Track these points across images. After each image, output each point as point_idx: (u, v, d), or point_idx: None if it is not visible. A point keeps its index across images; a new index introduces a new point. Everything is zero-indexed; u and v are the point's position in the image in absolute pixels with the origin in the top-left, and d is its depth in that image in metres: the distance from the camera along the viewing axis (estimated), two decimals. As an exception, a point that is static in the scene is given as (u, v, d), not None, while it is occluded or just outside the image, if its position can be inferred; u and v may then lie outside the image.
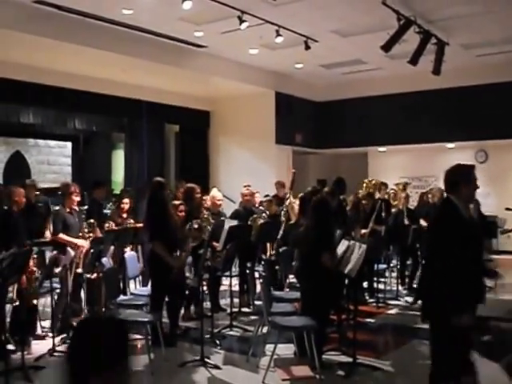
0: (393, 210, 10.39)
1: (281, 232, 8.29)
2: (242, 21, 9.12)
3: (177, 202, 7.51)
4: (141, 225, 8.45)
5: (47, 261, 6.71)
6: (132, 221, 8.75)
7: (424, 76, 11.07)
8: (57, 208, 7.58)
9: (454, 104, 13.06)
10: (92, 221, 7.76)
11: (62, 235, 7.15)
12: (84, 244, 7.24)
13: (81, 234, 7.40)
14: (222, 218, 8.36)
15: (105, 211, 9.65)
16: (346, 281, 7.28)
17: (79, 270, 7.24)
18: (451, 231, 4.06)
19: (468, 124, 12.85)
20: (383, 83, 13.72)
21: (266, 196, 10.62)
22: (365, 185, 10.46)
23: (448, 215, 4.18)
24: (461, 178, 4.23)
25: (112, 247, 7.93)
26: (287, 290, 7.98)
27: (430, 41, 9.63)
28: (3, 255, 5.37)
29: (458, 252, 3.97)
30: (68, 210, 7.39)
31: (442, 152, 14.33)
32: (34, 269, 6.37)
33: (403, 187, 10.66)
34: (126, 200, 8.92)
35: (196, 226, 7.64)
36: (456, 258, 3.95)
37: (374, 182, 10.67)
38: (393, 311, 8.69)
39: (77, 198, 7.59)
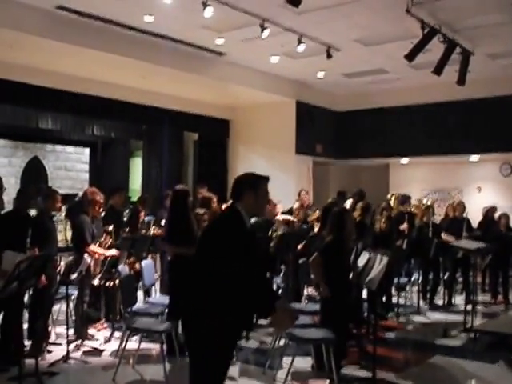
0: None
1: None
2: (263, 28, 9.04)
3: (201, 211, 7.41)
4: (159, 231, 8.45)
5: (63, 267, 6.64)
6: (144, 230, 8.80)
7: (448, 86, 10.90)
8: (81, 216, 7.39)
9: (478, 115, 12.85)
10: (110, 228, 7.72)
11: (92, 247, 7.07)
12: (114, 253, 7.20)
13: (99, 243, 7.36)
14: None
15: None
16: (365, 293, 7.19)
17: (96, 282, 7.20)
18: (233, 240, 3.70)
19: (493, 136, 12.63)
20: (406, 93, 13.56)
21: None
22: (393, 198, 10.26)
23: (231, 223, 3.82)
24: (245, 187, 3.93)
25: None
26: (306, 302, 7.86)
27: (454, 50, 9.47)
28: (21, 258, 5.31)
29: (237, 262, 3.64)
30: (91, 218, 7.34)
31: (466, 164, 14.17)
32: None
33: (430, 204, 10.45)
34: (142, 214, 9.02)
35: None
36: (234, 268, 3.62)
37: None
38: (413, 326, 8.52)
39: (100, 209, 7.59)
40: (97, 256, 7.10)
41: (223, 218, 4.03)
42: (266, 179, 4.05)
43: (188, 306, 3.82)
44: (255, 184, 3.96)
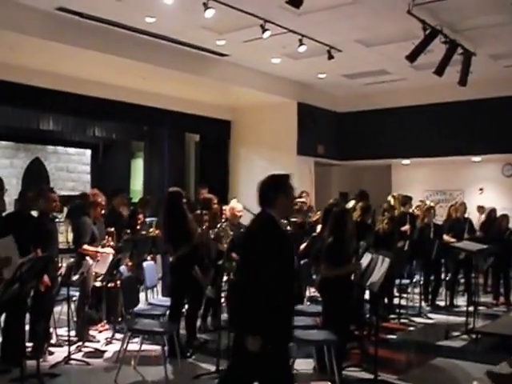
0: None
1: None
2: (264, 30, 9.02)
3: (201, 212, 7.41)
4: (158, 232, 8.46)
5: (64, 268, 6.63)
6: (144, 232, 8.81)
7: (450, 87, 10.86)
8: (83, 217, 7.39)
9: (480, 116, 12.82)
10: (112, 229, 7.73)
11: (86, 246, 7.07)
12: (108, 251, 7.19)
13: (101, 246, 7.38)
14: (242, 230, 8.31)
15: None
16: (367, 295, 7.18)
17: (97, 284, 7.19)
18: (268, 244, 3.75)
19: (495, 136, 12.59)
20: (408, 94, 13.54)
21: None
22: (393, 200, 10.22)
23: (265, 228, 3.85)
24: (277, 191, 3.92)
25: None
26: (308, 303, 7.84)
27: (456, 51, 9.44)
28: (23, 260, 5.31)
29: (272, 266, 3.69)
30: (93, 220, 7.34)
31: (468, 165, 14.14)
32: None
33: (430, 205, 10.42)
34: (140, 216, 8.99)
35: (213, 236, 7.58)
36: (269, 272, 3.67)
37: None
38: (415, 328, 8.49)
39: (102, 211, 7.60)
40: (97, 256, 7.09)
41: (259, 226, 3.95)
42: (289, 177, 4.09)
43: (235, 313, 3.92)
44: (285, 185, 3.98)
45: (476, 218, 11.47)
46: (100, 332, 7.50)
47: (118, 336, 7.18)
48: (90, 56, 9.60)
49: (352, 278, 6.10)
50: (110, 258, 7.08)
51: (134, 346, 6.41)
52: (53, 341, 6.90)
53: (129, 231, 8.31)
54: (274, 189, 3.92)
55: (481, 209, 12.63)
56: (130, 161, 16.01)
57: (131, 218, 8.91)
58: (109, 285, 7.41)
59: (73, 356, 6.38)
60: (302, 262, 7.85)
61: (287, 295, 3.85)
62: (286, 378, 3.93)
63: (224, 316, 7.53)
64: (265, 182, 3.99)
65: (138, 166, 15.76)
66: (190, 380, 5.90)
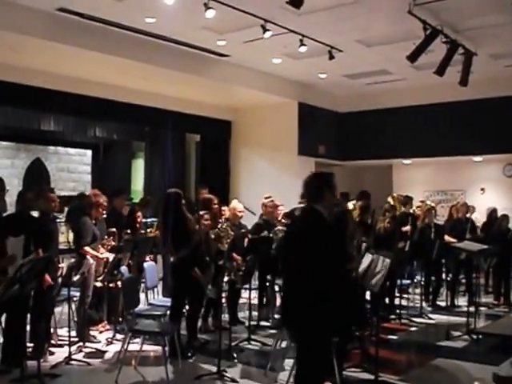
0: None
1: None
2: (265, 30, 9.02)
3: (201, 212, 7.41)
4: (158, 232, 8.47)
5: (65, 268, 6.63)
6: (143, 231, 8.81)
7: (451, 87, 10.85)
8: (83, 218, 7.40)
9: (481, 116, 12.81)
10: (114, 230, 7.73)
11: (87, 248, 7.07)
12: (108, 256, 7.19)
13: (101, 245, 7.38)
14: (243, 230, 8.33)
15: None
16: (368, 295, 7.17)
17: (98, 284, 7.19)
18: (320, 240, 4.01)
19: (496, 136, 12.58)
20: (409, 94, 13.54)
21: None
22: (392, 200, 10.19)
23: (315, 224, 4.10)
24: (324, 187, 4.22)
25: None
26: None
27: (457, 51, 9.45)
28: (23, 261, 5.31)
29: (325, 261, 3.94)
30: (94, 220, 7.34)
31: (469, 165, 14.14)
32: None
33: (431, 206, 10.40)
34: (139, 213, 8.99)
35: (213, 236, 7.58)
36: (324, 267, 3.93)
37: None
38: (416, 328, 8.48)
39: (103, 212, 7.60)
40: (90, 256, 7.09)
41: (314, 222, 4.14)
42: (334, 175, 4.41)
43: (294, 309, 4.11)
44: (331, 182, 4.27)
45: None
46: (101, 332, 7.49)
47: (119, 336, 7.17)
48: (90, 56, 9.61)
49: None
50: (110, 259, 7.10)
51: (134, 346, 6.40)
52: (53, 341, 6.90)
53: (129, 231, 8.31)
54: (322, 186, 4.20)
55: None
56: (131, 161, 16.01)
57: (130, 217, 8.90)
58: (109, 285, 7.41)
59: (73, 356, 6.37)
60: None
61: (342, 284, 4.14)
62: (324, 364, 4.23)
63: (225, 316, 7.58)
64: (312, 179, 4.30)
65: (138, 167, 15.76)
66: (191, 381, 5.88)
